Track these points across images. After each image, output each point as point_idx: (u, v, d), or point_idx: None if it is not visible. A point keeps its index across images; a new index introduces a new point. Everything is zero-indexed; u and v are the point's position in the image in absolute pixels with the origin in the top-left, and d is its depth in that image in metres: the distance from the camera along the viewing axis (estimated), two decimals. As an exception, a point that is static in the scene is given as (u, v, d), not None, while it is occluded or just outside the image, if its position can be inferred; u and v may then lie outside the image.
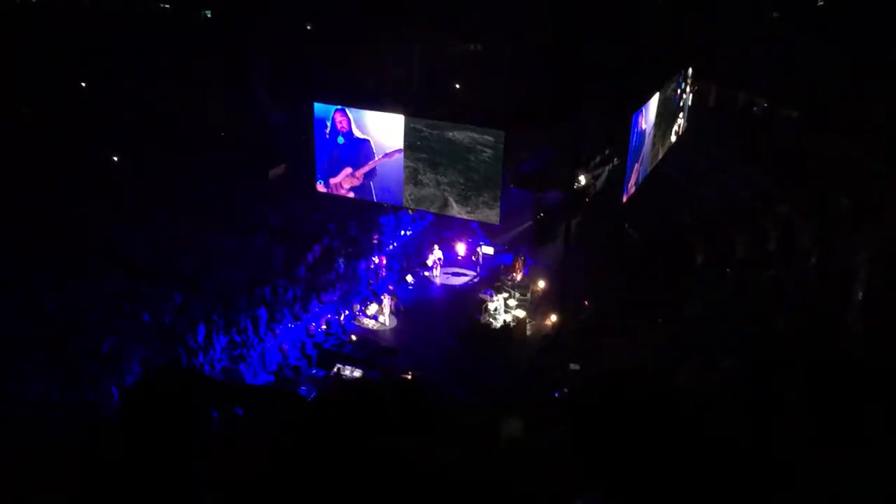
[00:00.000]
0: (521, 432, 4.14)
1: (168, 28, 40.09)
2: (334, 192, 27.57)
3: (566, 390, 20.81)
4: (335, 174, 27.17)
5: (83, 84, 37.51)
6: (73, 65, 36.01)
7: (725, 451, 2.93)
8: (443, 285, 29.41)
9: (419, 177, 25.04)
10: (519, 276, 28.28)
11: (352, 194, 27.47)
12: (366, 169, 26.52)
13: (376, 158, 26.04)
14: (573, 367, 21.75)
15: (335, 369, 23.44)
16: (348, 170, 26.84)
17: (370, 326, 26.29)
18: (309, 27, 41.18)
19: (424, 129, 24.23)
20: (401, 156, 25.60)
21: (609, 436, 2.76)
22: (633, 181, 26.55)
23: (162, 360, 22.51)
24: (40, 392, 19.70)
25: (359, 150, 26.31)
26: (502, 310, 26.20)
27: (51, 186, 28.37)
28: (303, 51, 37.17)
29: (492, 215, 24.55)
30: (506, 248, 30.61)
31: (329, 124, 26.55)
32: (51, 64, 34.67)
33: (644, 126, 26.29)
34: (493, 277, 28.79)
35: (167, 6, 44.28)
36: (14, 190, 27.43)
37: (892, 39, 27.52)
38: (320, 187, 27.67)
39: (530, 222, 31.82)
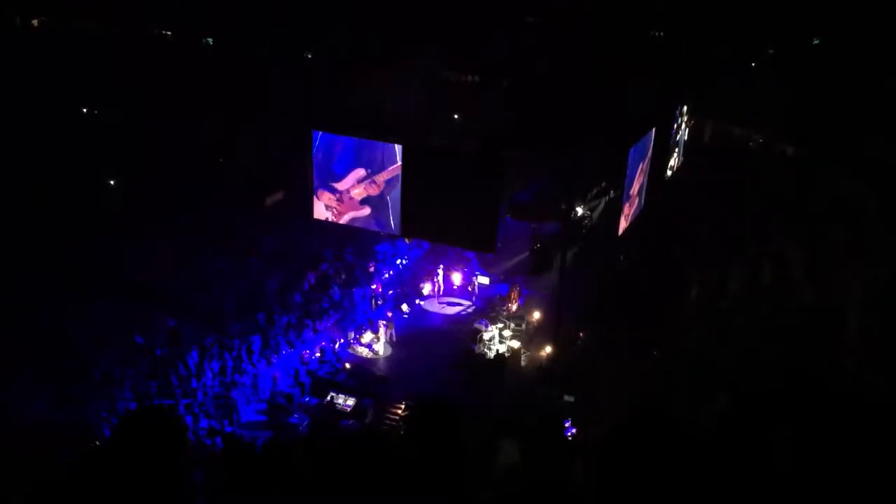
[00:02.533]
0: (517, 459, 4.17)
1: (169, 54, 40.47)
2: (338, 209, 24.28)
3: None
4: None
5: (84, 110, 37.67)
6: (73, 89, 36.21)
7: (722, 482, 2.96)
8: (438, 314, 29.38)
9: (416, 205, 24.88)
10: (514, 307, 28.28)
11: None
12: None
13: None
14: (567, 398, 21.70)
15: (328, 397, 23.33)
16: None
17: (364, 355, 26.21)
18: (308, 55, 41.52)
19: (422, 157, 24.20)
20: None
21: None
22: (628, 214, 26.66)
23: (154, 385, 22.44)
24: (33, 411, 19.63)
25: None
26: (497, 340, 26.18)
27: (47, 208, 28.39)
28: (302, 78, 37.43)
29: (488, 245, 24.52)
30: (501, 278, 30.65)
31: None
32: (51, 87, 34.86)
33: (640, 160, 26.45)
34: (488, 307, 28.79)
35: (168, 33, 44.66)
36: (11, 212, 27.45)
37: (886, 75, 27.81)
38: (318, 205, 24.37)
39: (526, 253, 31.95)
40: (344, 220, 24.94)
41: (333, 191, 24.24)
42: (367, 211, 24.04)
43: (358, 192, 23.89)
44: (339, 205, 24.36)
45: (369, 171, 23.62)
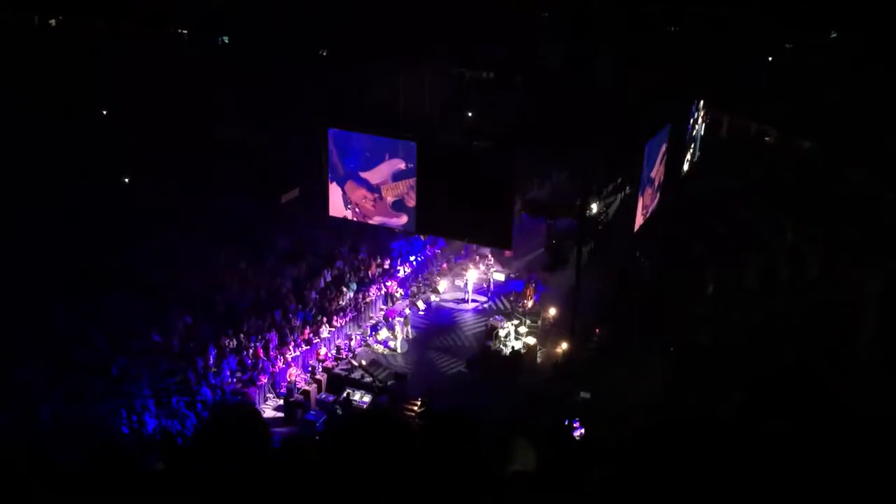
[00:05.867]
0: (533, 460, 4.17)
1: (185, 53, 40.65)
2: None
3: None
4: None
5: (104, 111, 37.89)
6: (88, 86, 36.40)
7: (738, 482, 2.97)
8: (453, 311, 29.38)
9: (431, 202, 24.77)
10: (530, 303, 28.27)
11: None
12: None
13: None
14: (583, 395, 21.67)
15: (345, 394, 23.43)
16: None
17: (380, 351, 26.28)
18: (323, 53, 41.56)
19: (436, 154, 24.11)
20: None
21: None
22: (644, 210, 26.57)
23: (171, 381, 22.61)
24: (50, 410, 19.80)
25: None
26: (513, 336, 26.18)
27: (64, 206, 28.58)
28: (317, 76, 37.47)
29: (503, 242, 24.48)
30: (517, 274, 30.63)
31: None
32: (66, 85, 35.05)
33: (656, 155, 26.32)
34: (503, 304, 28.79)
35: (184, 31, 44.84)
36: (27, 208, 27.66)
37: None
38: (336, 200, 23.55)
39: (542, 249, 31.89)
40: (367, 220, 24.32)
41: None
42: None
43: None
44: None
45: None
